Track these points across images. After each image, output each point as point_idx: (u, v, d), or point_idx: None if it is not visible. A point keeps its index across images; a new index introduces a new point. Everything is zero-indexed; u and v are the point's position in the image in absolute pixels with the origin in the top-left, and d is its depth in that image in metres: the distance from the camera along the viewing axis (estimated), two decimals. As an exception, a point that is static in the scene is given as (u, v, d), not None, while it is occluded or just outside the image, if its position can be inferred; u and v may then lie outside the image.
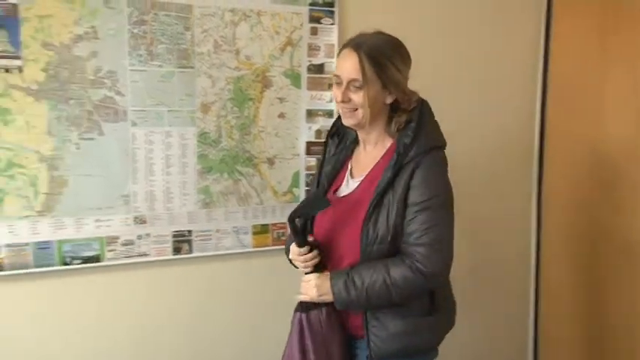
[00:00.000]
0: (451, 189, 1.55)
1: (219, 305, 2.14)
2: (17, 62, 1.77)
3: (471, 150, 2.51)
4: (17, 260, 1.83)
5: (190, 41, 1.98)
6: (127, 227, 1.96)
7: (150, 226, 1.99)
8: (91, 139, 1.88)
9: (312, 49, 2.17)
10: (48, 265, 1.87)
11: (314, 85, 2.18)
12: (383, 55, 1.50)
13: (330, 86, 2.18)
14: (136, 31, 1.91)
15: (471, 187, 2.53)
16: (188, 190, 2.03)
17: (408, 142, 1.49)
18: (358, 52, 1.48)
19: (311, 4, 2.15)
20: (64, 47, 1.82)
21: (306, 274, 1.56)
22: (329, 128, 1.73)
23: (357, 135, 1.65)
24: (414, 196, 1.47)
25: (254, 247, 2.14)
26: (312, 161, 2.19)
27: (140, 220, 1.97)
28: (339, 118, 1.64)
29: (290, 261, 1.62)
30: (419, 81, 2.34)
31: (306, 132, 2.17)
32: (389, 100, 1.54)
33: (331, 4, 2.19)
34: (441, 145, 1.56)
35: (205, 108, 2.03)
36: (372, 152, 1.60)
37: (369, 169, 1.58)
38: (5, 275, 1.83)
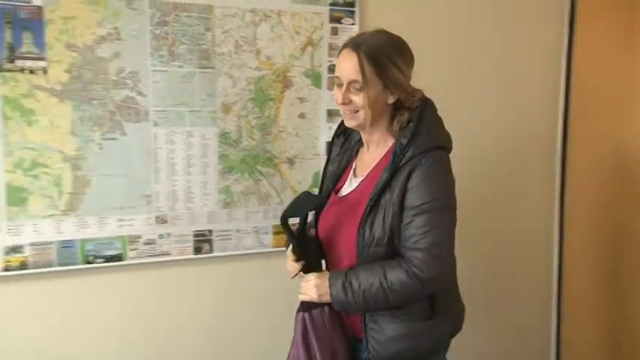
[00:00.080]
0: (452, 191, 1.51)
1: (239, 305, 2.15)
2: (42, 63, 1.80)
3: (492, 151, 2.49)
4: (41, 259, 1.86)
5: (211, 42, 1.99)
6: (149, 227, 1.97)
7: (171, 226, 2.00)
8: (114, 139, 1.90)
9: (333, 49, 2.16)
10: (71, 264, 1.90)
11: (334, 85, 2.17)
12: (383, 55, 1.46)
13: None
14: (157, 32, 1.92)
15: (492, 188, 2.52)
16: (209, 190, 2.04)
17: (404, 143, 1.46)
18: (357, 53, 1.45)
19: (331, 4, 2.15)
20: (88, 48, 1.84)
21: (304, 273, 1.55)
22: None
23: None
24: (411, 199, 1.43)
25: (274, 247, 2.14)
26: (333, 161, 2.18)
27: (161, 220, 1.99)
28: None
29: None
30: (439, 81, 2.36)
31: (327, 132, 2.17)
32: (391, 100, 1.51)
33: (352, 4, 2.18)
34: (443, 145, 1.51)
35: (226, 108, 2.04)
36: (374, 152, 1.58)
37: (370, 169, 1.56)
38: (30, 273, 1.85)
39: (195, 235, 2.04)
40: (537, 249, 2.66)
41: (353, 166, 1.64)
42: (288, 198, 2.13)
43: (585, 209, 2.52)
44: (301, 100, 2.13)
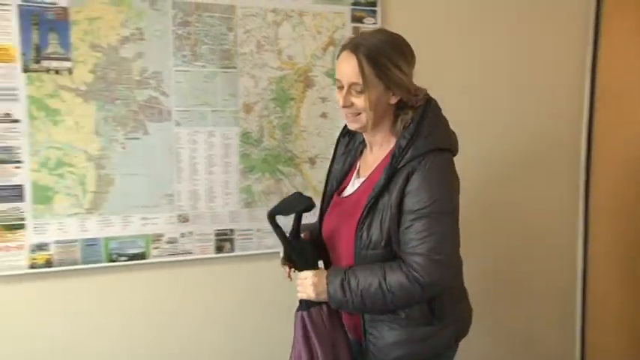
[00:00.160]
0: (454, 194, 1.48)
1: (260, 304, 2.15)
2: (67, 64, 1.82)
3: (514, 154, 2.46)
4: (66, 256, 1.89)
5: (233, 42, 2.00)
6: (171, 225, 1.99)
7: (193, 225, 2.02)
8: (137, 138, 1.92)
9: (354, 48, 2.16)
10: (95, 262, 1.92)
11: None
12: (383, 56, 1.42)
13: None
14: (180, 32, 1.93)
15: (515, 190, 2.50)
16: (230, 190, 2.05)
17: (403, 145, 1.42)
18: (357, 54, 1.41)
19: (353, 4, 2.15)
20: (112, 49, 1.86)
21: (300, 271, 1.53)
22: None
23: None
24: (410, 203, 1.39)
25: (295, 246, 2.15)
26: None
27: (183, 219, 2.00)
28: None
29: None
30: (461, 81, 2.35)
31: (348, 132, 2.16)
32: (393, 100, 1.47)
33: (373, 4, 2.17)
34: (445, 147, 1.47)
35: (248, 108, 2.04)
36: (377, 152, 1.55)
37: (371, 170, 1.54)
38: (55, 271, 1.88)
39: (217, 234, 2.05)
40: (561, 251, 2.62)
41: (357, 167, 1.62)
42: (310, 198, 2.13)
43: (610, 212, 2.48)
44: (323, 99, 2.13)
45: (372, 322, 1.49)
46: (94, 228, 1.90)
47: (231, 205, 2.05)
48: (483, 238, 2.45)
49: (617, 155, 2.42)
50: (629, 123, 2.33)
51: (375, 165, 1.52)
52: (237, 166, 2.05)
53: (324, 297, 1.46)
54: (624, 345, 2.39)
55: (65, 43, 1.82)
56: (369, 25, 2.17)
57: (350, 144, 1.67)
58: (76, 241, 1.89)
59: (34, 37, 1.78)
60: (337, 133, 1.66)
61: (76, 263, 1.90)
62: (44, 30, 1.79)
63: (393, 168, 1.42)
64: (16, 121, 1.79)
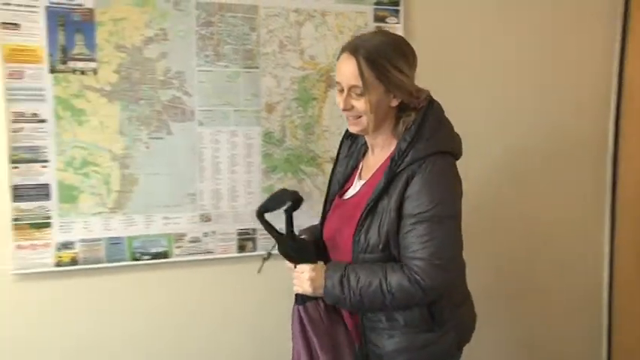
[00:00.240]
0: (456, 198, 1.45)
1: (282, 303, 2.14)
2: (92, 64, 1.85)
3: (541, 152, 2.43)
4: (91, 255, 1.91)
5: (256, 42, 2.01)
6: (194, 225, 2.00)
7: (215, 224, 2.02)
8: (160, 138, 1.93)
9: (377, 48, 2.15)
10: (119, 260, 1.94)
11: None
12: (382, 58, 1.40)
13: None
14: (203, 32, 1.95)
15: (541, 188, 2.46)
16: (253, 189, 2.06)
17: (403, 148, 1.41)
18: (356, 57, 1.40)
19: (376, 3, 2.14)
20: (136, 49, 1.88)
21: (295, 265, 1.50)
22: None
23: None
24: (410, 207, 1.37)
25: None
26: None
27: (206, 218, 2.01)
28: None
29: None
30: (485, 81, 2.32)
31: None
32: (394, 103, 1.45)
33: (396, 3, 2.16)
34: (447, 150, 1.44)
35: (270, 108, 2.05)
36: (379, 155, 1.53)
37: (372, 173, 1.52)
38: (80, 269, 1.90)
39: (239, 234, 2.06)
40: (588, 248, 2.59)
41: (359, 169, 1.61)
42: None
43: (637, 210, 2.43)
44: (345, 99, 2.12)
45: (372, 329, 1.48)
46: (117, 227, 1.92)
47: (254, 204, 2.04)
48: (505, 238, 2.43)
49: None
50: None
51: (377, 167, 1.51)
52: (259, 165, 2.06)
53: (320, 292, 1.44)
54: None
55: (91, 44, 1.84)
56: (391, 24, 2.16)
57: (353, 146, 1.66)
58: (100, 239, 1.91)
59: (61, 38, 1.81)
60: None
61: (100, 262, 1.92)
62: (70, 31, 1.82)
63: (392, 171, 1.41)
64: (42, 121, 1.82)
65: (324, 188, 2.09)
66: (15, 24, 1.77)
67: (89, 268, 1.91)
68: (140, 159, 1.92)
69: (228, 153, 2.02)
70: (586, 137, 2.51)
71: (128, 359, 2.00)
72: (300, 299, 1.48)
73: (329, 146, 2.12)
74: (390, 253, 1.42)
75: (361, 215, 1.44)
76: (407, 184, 1.39)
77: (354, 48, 1.42)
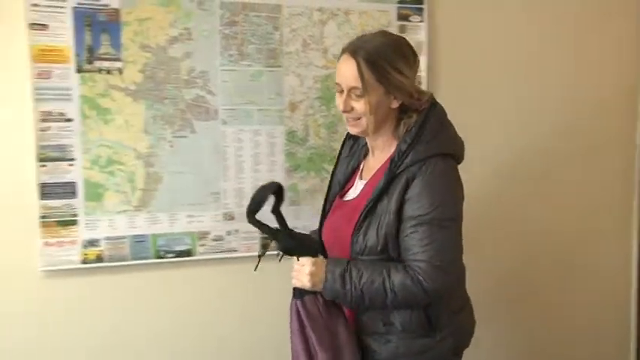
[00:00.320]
0: (457, 201, 1.43)
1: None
2: (118, 64, 1.87)
3: (564, 152, 2.40)
4: (116, 252, 1.93)
5: (279, 41, 2.01)
6: (217, 223, 2.01)
7: (238, 223, 2.03)
8: (184, 137, 1.95)
9: (400, 46, 2.14)
10: (144, 258, 1.96)
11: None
12: (382, 59, 1.39)
13: (418, 84, 2.15)
14: (227, 31, 1.96)
15: (566, 185, 2.43)
16: (276, 188, 2.06)
17: (403, 150, 1.39)
18: (356, 58, 1.39)
19: (399, 2, 2.13)
20: (160, 49, 1.90)
21: (298, 258, 1.47)
22: None
23: None
24: (411, 210, 1.36)
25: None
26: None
27: (229, 217, 2.02)
28: None
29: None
30: (509, 80, 2.29)
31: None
32: (395, 104, 1.44)
33: (420, 1, 2.15)
34: (448, 152, 1.43)
35: (293, 106, 2.05)
36: (379, 156, 1.52)
37: (372, 174, 1.51)
38: (105, 267, 1.92)
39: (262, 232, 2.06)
40: (614, 252, 2.54)
41: (360, 169, 1.60)
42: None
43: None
44: (368, 98, 2.12)
45: (368, 334, 1.46)
46: (142, 225, 1.94)
47: (277, 203, 2.06)
48: (524, 240, 2.40)
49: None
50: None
51: (377, 169, 1.50)
52: (282, 164, 2.06)
53: (320, 287, 1.41)
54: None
55: (116, 44, 1.86)
56: (415, 23, 2.15)
57: (354, 147, 1.65)
58: (125, 237, 1.93)
59: (87, 38, 1.83)
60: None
61: (125, 259, 1.94)
62: (97, 31, 1.84)
63: (392, 172, 1.39)
64: (69, 120, 1.84)
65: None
66: (43, 25, 1.79)
67: (114, 266, 1.93)
68: (164, 157, 1.93)
69: (252, 152, 2.02)
70: (611, 138, 2.47)
71: (153, 356, 2.01)
72: (298, 293, 1.45)
73: (352, 145, 2.11)
74: (389, 256, 1.40)
75: (360, 216, 1.42)
76: (407, 185, 1.38)
77: (354, 49, 1.41)
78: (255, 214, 1.46)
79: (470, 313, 1.58)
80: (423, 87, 2.16)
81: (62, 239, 1.87)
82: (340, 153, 1.67)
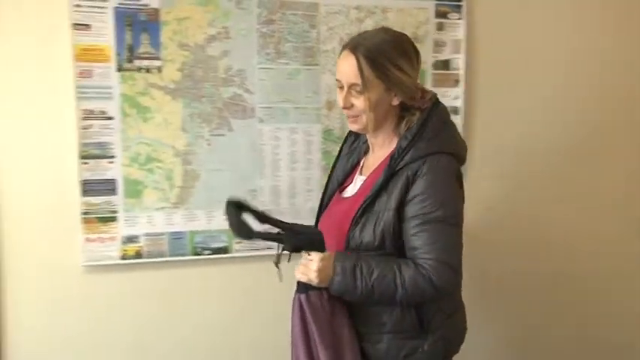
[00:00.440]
0: (459, 199, 1.43)
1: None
2: (157, 63, 1.89)
3: (595, 149, 2.35)
4: (154, 249, 1.95)
5: (316, 39, 2.01)
6: (253, 221, 2.01)
7: (274, 221, 2.03)
8: (221, 135, 1.96)
9: (438, 44, 2.12)
10: (181, 255, 1.98)
11: (440, 81, 2.12)
12: (383, 56, 1.38)
13: (456, 82, 2.13)
14: (264, 30, 1.96)
15: (584, 183, 2.37)
16: (312, 187, 2.06)
17: (404, 146, 1.38)
18: (356, 55, 1.38)
19: (437, -1, 2.11)
20: (199, 47, 1.92)
21: (308, 253, 1.41)
22: None
23: None
24: (414, 208, 1.35)
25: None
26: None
27: (265, 215, 2.03)
28: None
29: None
30: (548, 77, 2.24)
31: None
32: (395, 101, 1.43)
33: (459, -2, 2.13)
34: (449, 151, 1.41)
35: (330, 105, 2.04)
36: (379, 153, 1.51)
37: (371, 171, 1.50)
38: (144, 262, 1.95)
39: (298, 231, 2.06)
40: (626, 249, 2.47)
41: (360, 166, 1.59)
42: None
43: None
44: (405, 96, 2.10)
45: (360, 334, 1.44)
46: (180, 222, 1.96)
47: (313, 201, 2.05)
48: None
49: None
50: None
51: (377, 165, 1.49)
52: (319, 163, 2.06)
53: (326, 284, 1.37)
54: None
55: (155, 43, 1.89)
56: (453, 20, 2.13)
57: (355, 143, 1.64)
58: (163, 234, 1.96)
59: (128, 37, 1.86)
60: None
61: (163, 255, 1.96)
62: (137, 30, 1.87)
63: (392, 169, 1.38)
64: (110, 118, 1.87)
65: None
66: (86, 25, 1.83)
67: (153, 262, 1.96)
68: (202, 155, 1.95)
69: (288, 150, 2.03)
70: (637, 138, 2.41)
71: (189, 351, 2.04)
72: (303, 287, 1.41)
73: (389, 144, 2.09)
74: (385, 253, 1.40)
75: (356, 212, 1.42)
76: (407, 183, 1.37)
77: (354, 45, 1.41)
78: (249, 231, 1.41)
79: (462, 317, 1.56)
80: (461, 85, 2.13)
81: (102, 235, 1.91)
82: (341, 149, 1.68)
